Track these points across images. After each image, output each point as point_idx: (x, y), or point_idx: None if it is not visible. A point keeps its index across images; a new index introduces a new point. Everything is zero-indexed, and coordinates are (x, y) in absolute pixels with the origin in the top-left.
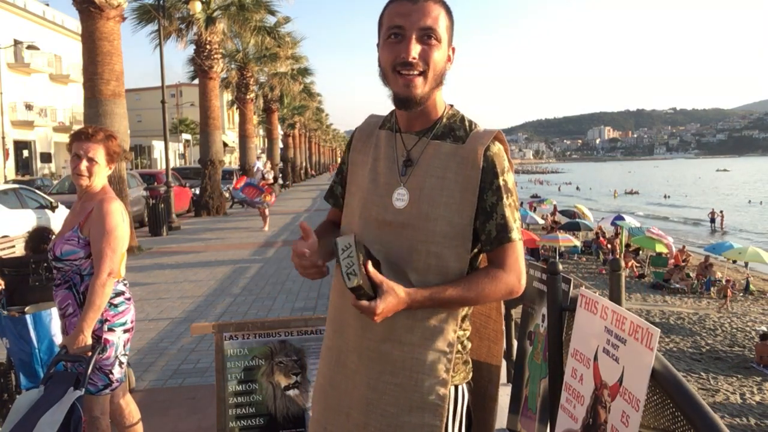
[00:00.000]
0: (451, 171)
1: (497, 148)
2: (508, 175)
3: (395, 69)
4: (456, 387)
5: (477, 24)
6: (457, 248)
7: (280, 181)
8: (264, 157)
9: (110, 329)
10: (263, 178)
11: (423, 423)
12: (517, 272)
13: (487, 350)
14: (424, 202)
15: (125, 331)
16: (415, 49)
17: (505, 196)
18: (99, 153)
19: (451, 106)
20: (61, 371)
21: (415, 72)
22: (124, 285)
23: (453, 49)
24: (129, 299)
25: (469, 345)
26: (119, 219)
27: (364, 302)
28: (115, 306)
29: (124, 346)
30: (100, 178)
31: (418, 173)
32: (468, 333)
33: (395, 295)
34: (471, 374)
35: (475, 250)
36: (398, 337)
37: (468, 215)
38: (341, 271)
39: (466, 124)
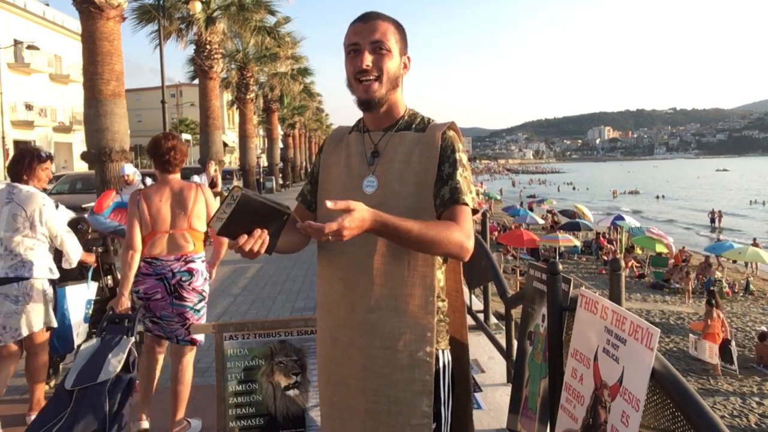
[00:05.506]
0: (415, 155)
1: (452, 133)
2: (462, 153)
3: (356, 77)
4: (443, 351)
5: (477, 25)
6: (424, 220)
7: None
8: (131, 166)
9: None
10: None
11: (414, 378)
12: (467, 231)
13: (458, 320)
14: (395, 182)
15: (140, 299)
16: (368, 59)
17: (460, 168)
18: None
19: (412, 108)
20: (112, 325)
21: (371, 77)
22: (144, 262)
23: (408, 58)
24: (146, 275)
25: (447, 319)
26: (132, 204)
27: (331, 224)
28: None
29: (144, 309)
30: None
31: (384, 161)
32: (447, 306)
33: (360, 210)
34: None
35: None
36: (383, 306)
37: (431, 188)
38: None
39: (425, 119)
